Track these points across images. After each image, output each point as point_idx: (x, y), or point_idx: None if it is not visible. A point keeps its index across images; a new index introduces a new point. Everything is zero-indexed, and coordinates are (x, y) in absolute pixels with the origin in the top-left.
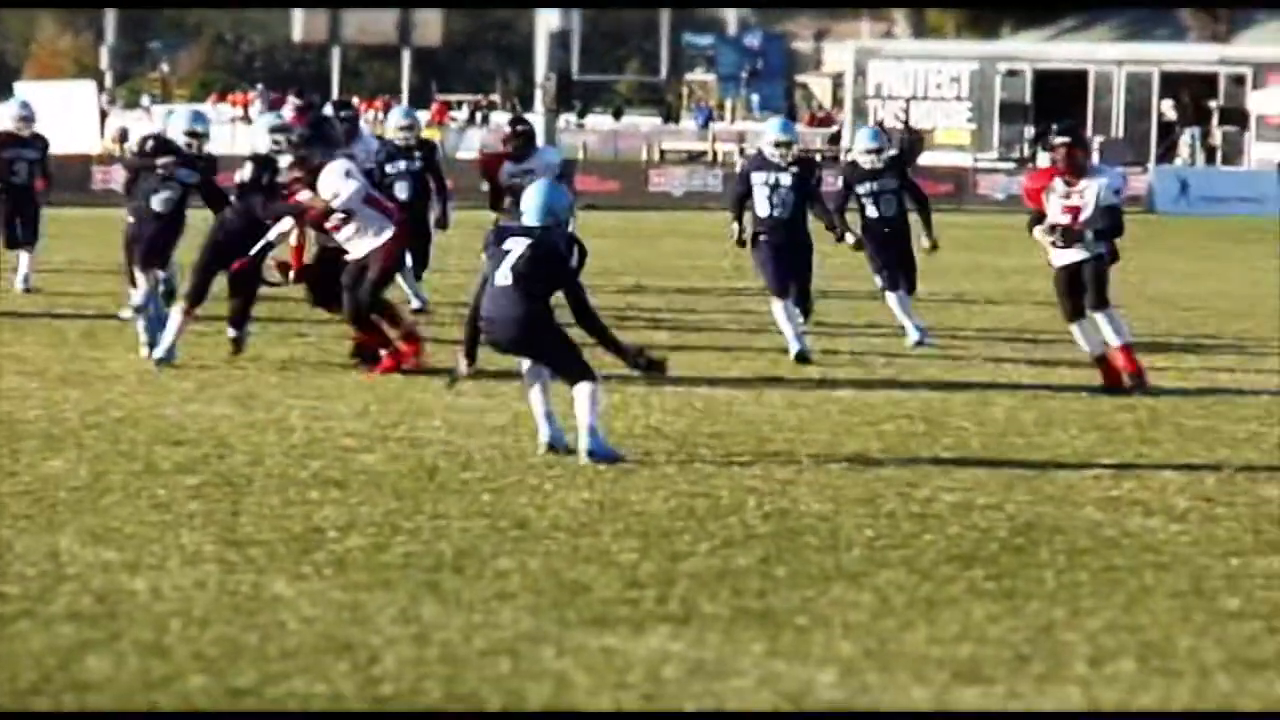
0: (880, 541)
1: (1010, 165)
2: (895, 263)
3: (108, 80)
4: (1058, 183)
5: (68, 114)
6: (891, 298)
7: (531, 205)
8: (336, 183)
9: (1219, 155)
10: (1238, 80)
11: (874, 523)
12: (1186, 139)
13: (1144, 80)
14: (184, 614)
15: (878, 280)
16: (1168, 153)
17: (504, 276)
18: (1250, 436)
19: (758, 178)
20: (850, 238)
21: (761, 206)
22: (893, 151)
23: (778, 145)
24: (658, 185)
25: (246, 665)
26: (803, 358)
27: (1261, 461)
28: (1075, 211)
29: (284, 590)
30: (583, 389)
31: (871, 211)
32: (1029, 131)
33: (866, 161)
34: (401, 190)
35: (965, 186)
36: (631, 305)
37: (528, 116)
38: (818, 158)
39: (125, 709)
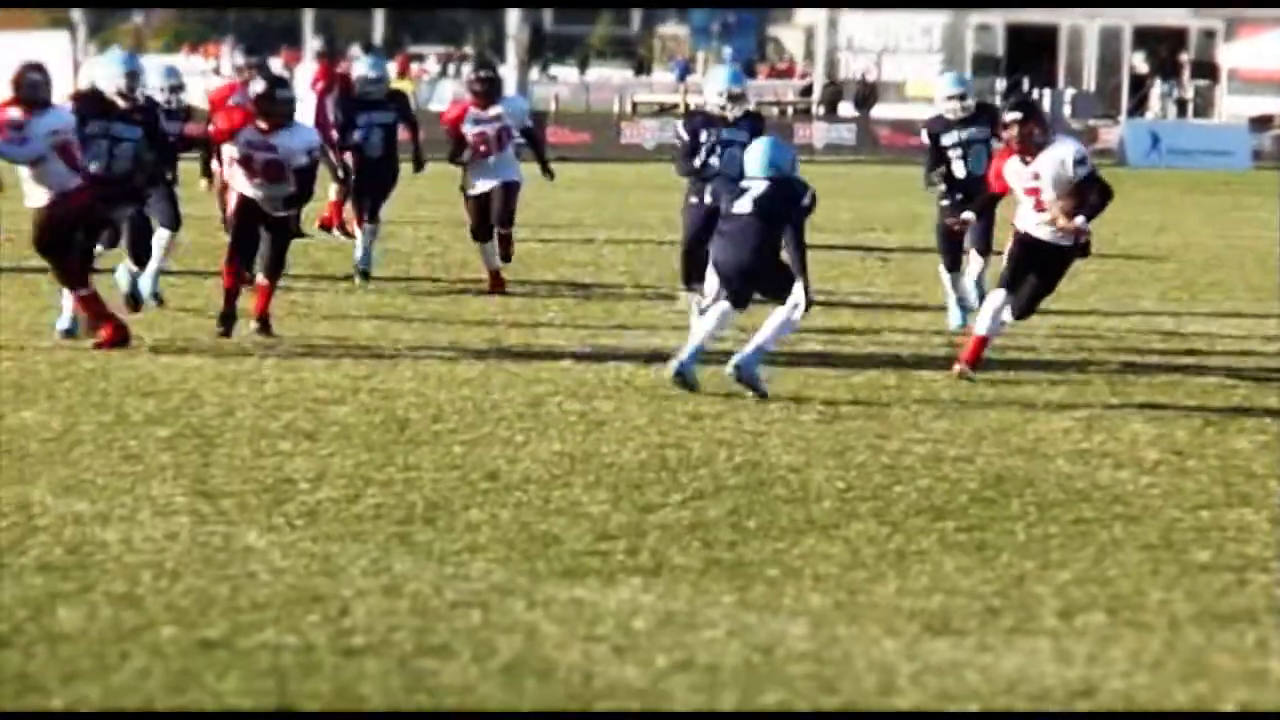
0: (851, 493)
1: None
2: (980, 232)
3: (80, 32)
4: (1014, 162)
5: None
6: (948, 278)
7: (756, 160)
8: None
9: (1190, 109)
10: (1209, 34)
11: (845, 475)
12: (1158, 92)
13: (1116, 34)
14: (155, 565)
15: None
16: (1139, 106)
17: (744, 206)
18: (1220, 389)
19: (703, 136)
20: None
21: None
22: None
23: (730, 98)
24: (630, 138)
25: (217, 616)
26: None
27: (1232, 414)
28: (1035, 193)
29: (255, 542)
30: (785, 310)
31: (959, 169)
32: (1000, 84)
33: (950, 110)
34: (373, 142)
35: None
36: (602, 257)
37: (500, 68)
38: (790, 111)
39: (97, 660)
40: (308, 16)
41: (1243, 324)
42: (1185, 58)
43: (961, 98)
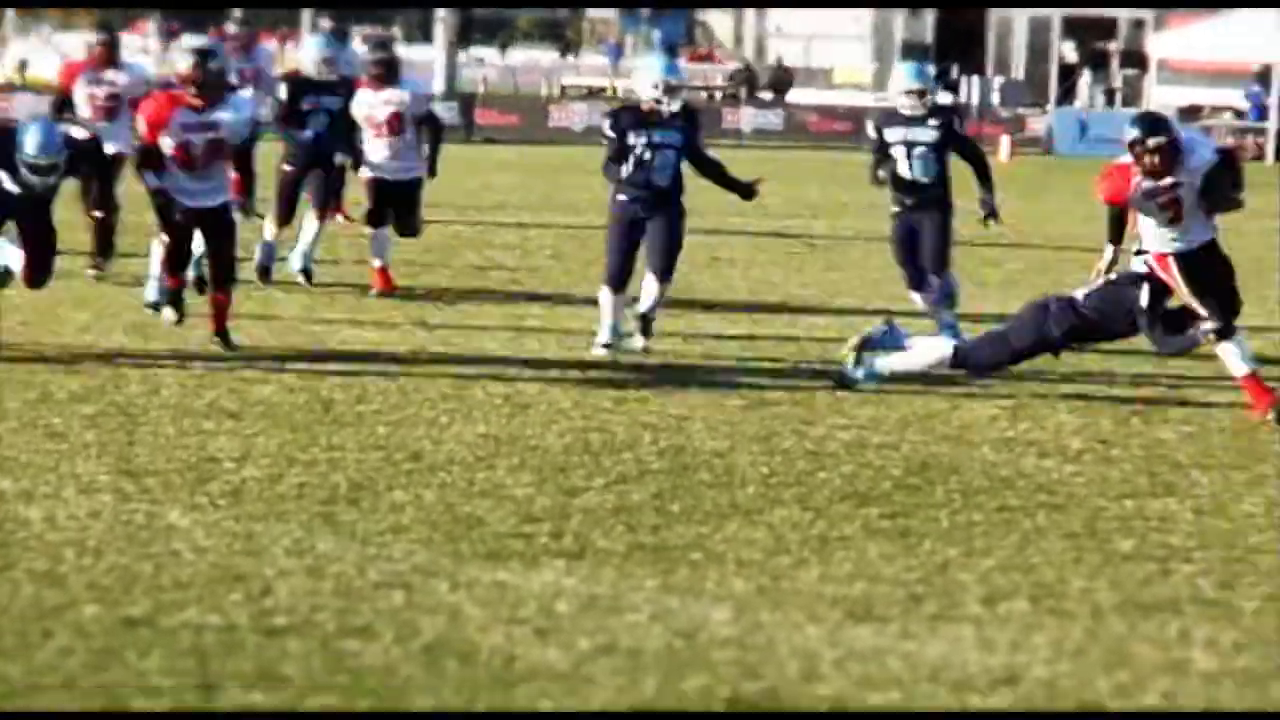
0: (775, 479)
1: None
2: (924, 247)
3: (9, 12)
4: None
5: None
6: (917, 297)
7: None
8: None
9: (1119, 98)
10: (1138, 24)
11: (769, 460)
12: (1086, 82)
13: (1045, 23)
14: (78, 543)
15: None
16: (1067, 95)
17: None
18: (1146, 379)
19: (631, 138)
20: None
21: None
22: (943, 98)
23: (666, 90)
24: (558, 120)
25: (140, 595)
26: (608, 347)
27: (1157, 404)
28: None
29: (179, 520)
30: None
31: (904, 169)
32: (930, 72)
33: (905, 105)
34: (316, 126)
35: (864, 126)
36: (530, 239)
37: (430, 50)
38: (717, 96)
39: (19, 638)
40: None
41: None
42: (1114, 47)
43: (920, 94)
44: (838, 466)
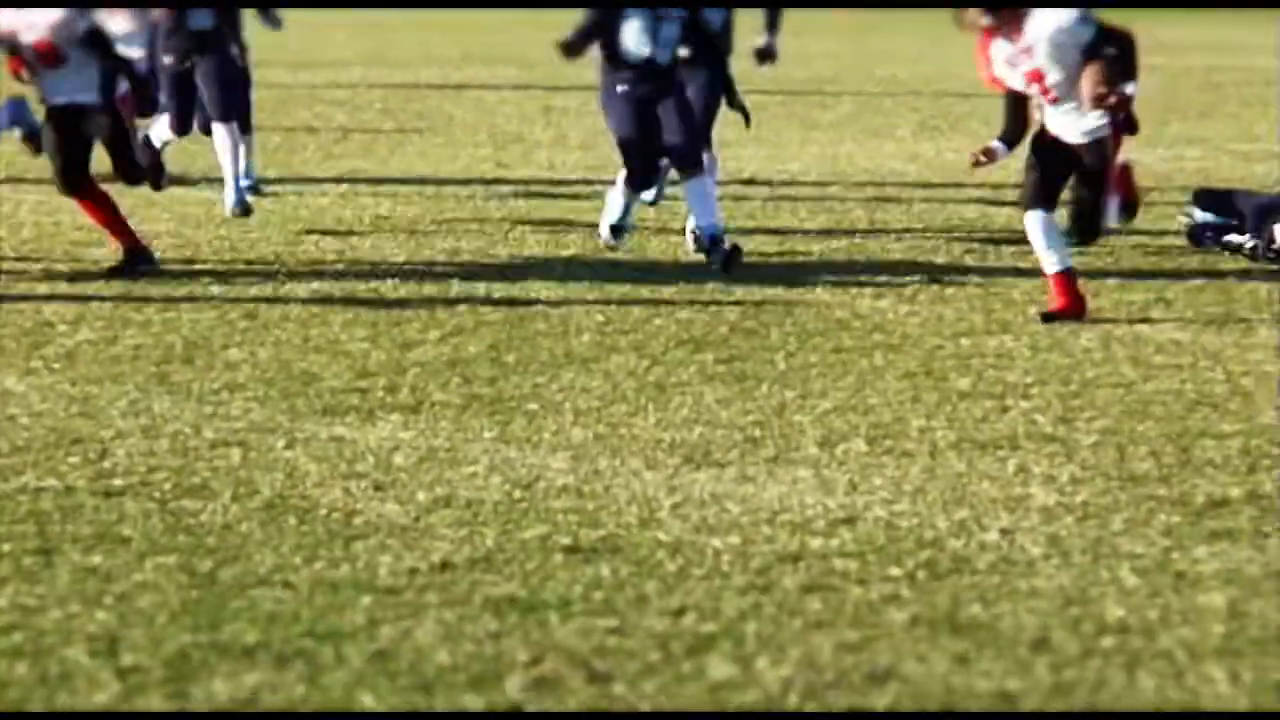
0: (610, 327)
1: None
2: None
3: None
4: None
5: None
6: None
7: None
8: None
9: None
10: None
11: (604, 309)
12: None
13: None
14: None
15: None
16: None
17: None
18: (980, 216)
19: None
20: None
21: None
22: None
23: None
24: None
25: None
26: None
27: (990, 241)
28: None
29: (14, 385)
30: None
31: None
32: None
33: None
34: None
35: None
36: (359, 94)
37: None
38: None
39: None
40: None
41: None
42: None
43: None
44: (673, 313)
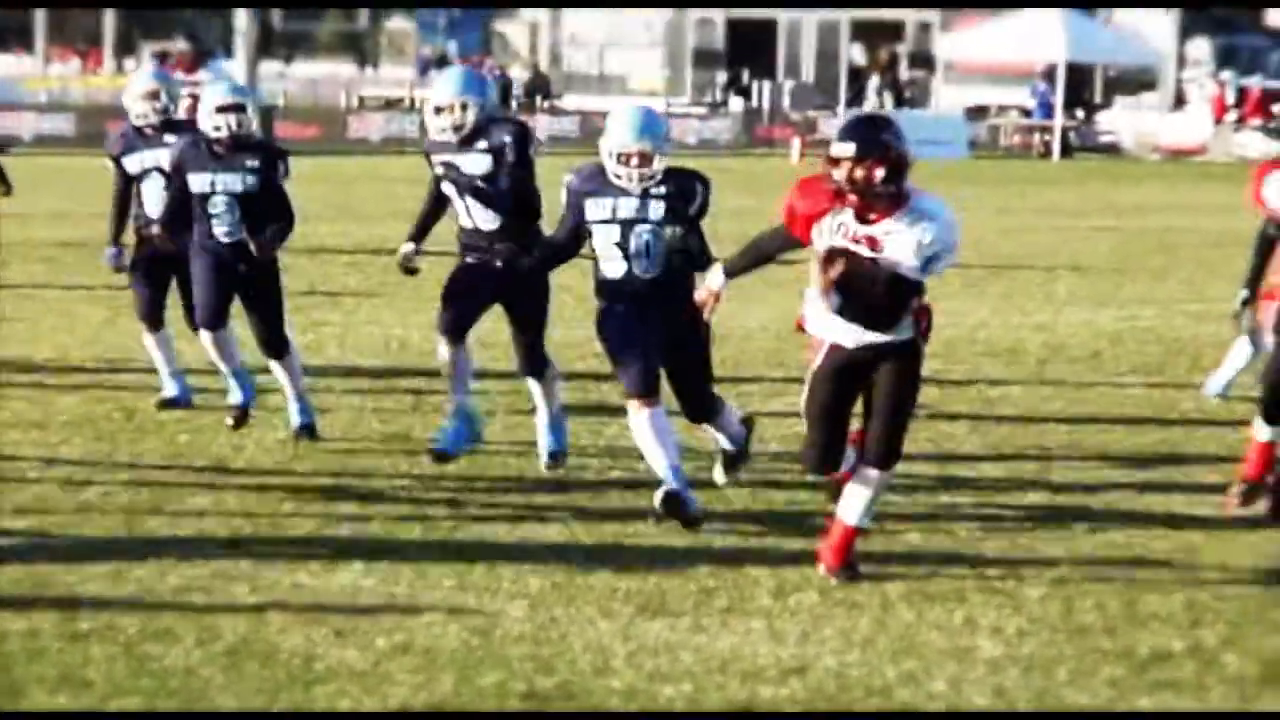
0: (568, 477)
1: (703, 110)
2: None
3: None
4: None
5: None
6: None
7: None
8: None
9: (906, 99)
10: (925, 26)
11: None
12: (874, 83)
13: (834, 27)
14: None
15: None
16: (857, 97)
17: None
18: (936, 372)
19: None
20: None
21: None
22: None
23: (437, 111)
24: (357, 131)
25: None
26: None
27: (948, 387)
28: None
29: None
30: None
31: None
32: (721, 77)
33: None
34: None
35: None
36: (328, 246)
37: (230, 64)
38: (514, 105)
39: None
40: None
41: (957, 307)
42: (902, 49)
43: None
44: (630, 464)
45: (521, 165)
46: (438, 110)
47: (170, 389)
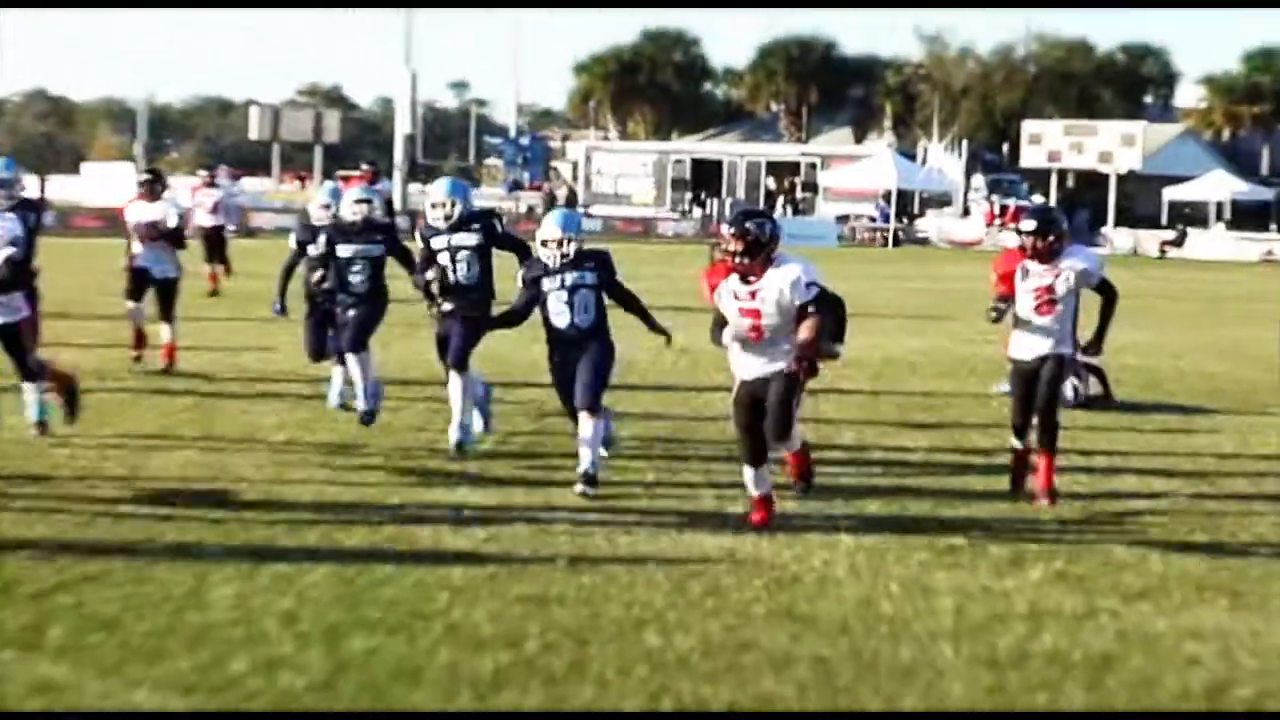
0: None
1: (676, 216)
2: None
3: (140, 163)
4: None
5: (115, 185)
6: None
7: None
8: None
9: (800, 209)
10: (812, 165)
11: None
12: (780, 200)
13: (756, 164)
14: None
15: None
16: (769, 208)
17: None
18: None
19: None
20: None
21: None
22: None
23: (434, 205)
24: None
25: None
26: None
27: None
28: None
29: None
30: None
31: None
32: (688, 196)
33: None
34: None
35: (650, 228)
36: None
37: (388, 184)
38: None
39: None
40: (275, 153)
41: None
42: (797, 180)
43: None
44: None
45: (496, 239)
46: (434, 205)
47: (360, 403)
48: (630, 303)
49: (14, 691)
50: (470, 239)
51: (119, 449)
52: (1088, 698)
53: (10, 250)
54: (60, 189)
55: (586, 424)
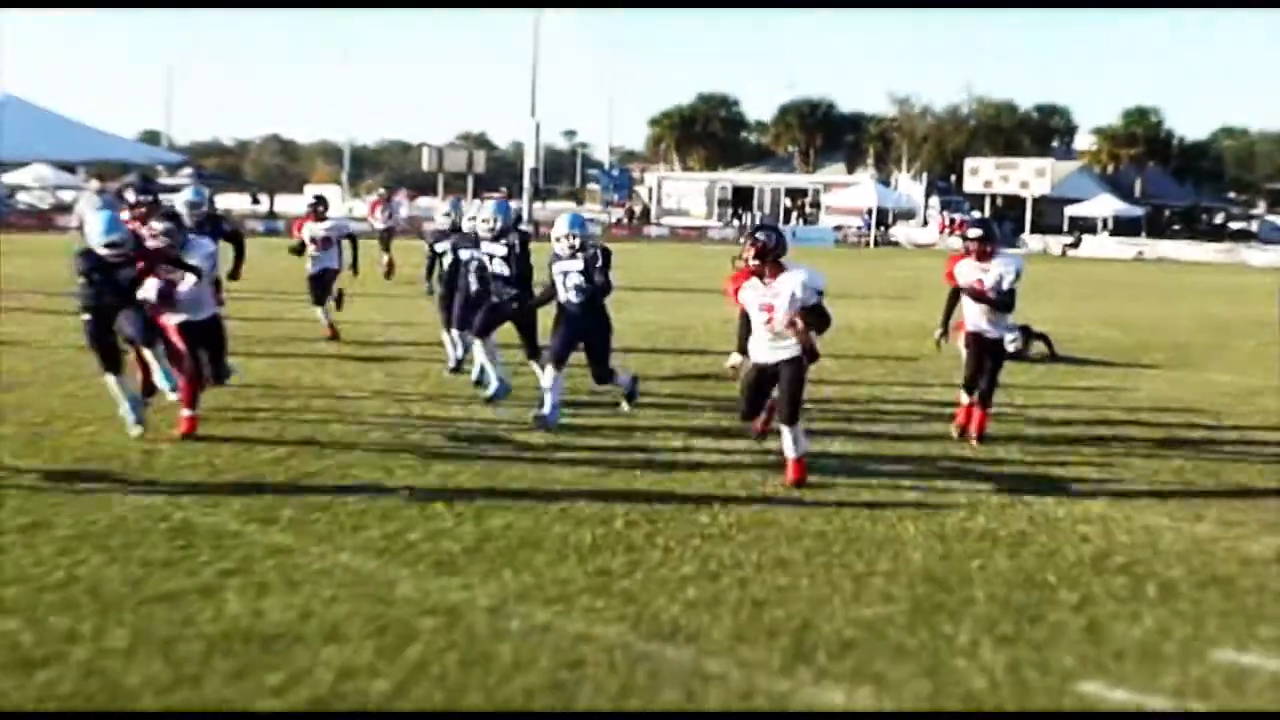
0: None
1: (720, 225)
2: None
3: (345, 188)
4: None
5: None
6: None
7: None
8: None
9: (809, 221)
10: (817, 190)
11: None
12: (795, 215)
13: (777, 189)
14: None
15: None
16: (786, 220)
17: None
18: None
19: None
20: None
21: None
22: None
23: (481, 220)
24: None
25: None
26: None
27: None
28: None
29: None
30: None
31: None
32: (730, 212)
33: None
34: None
35: (703, 235)
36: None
37: (518, 203)
38: (624, 222)
39: None
40: (441, 181)
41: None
42: (806, 200)
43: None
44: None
45: (525, 253)
46: (484, 220)
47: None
48: (598, 291)
49: (256, 554)
50: (501, 249)
51: (350, 399)
52: (1009, 563)
53: (207, 263)
54: (288, 204)
55: (554, 379)
